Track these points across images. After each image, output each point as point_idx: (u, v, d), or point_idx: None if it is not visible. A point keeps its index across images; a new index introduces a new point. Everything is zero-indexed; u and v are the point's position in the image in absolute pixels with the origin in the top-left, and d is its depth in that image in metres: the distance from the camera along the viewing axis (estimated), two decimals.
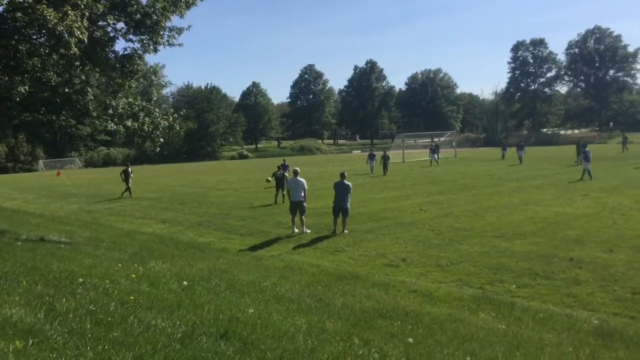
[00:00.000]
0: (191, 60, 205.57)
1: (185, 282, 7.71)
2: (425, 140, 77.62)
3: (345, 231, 15.07)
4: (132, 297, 6.21)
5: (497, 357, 5.59)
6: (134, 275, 7.96)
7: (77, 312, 5.26)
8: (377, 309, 7.49)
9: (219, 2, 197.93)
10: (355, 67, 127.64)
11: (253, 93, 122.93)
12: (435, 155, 42.21)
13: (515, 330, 6.87)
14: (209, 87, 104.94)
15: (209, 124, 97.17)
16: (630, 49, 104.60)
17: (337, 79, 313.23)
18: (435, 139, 55.41)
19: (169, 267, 9.53)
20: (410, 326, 6.49)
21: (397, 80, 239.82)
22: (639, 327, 7.41)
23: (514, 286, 9.55)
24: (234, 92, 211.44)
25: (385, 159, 35.66)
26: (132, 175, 27.59)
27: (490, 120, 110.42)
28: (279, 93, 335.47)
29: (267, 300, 7.15)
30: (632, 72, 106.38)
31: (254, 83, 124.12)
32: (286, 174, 23.03)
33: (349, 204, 15.24)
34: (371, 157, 38.10)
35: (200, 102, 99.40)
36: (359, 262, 11.96)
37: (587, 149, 27.52)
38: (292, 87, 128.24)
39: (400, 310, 7.52)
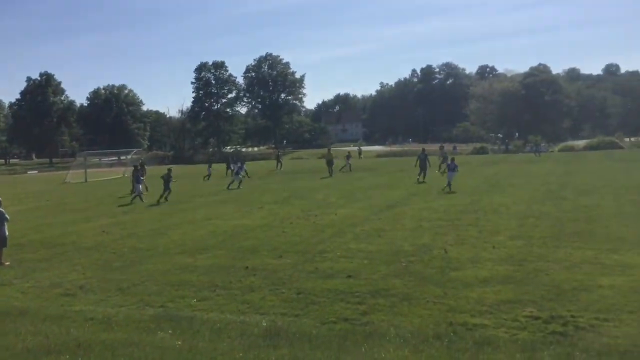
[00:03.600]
0: None
1: None
2: (111, 158, 74.06)
3: (7, 263, 13.40)
4: None
5: None
6: None
7: None
8: (45, 345, 6.83)
9: None
10: (29, 79, 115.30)
11: None
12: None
13: (191, 345, 7.05)
14: None
15: None
16: (297, 76, 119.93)
17: (5, 93, 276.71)
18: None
19: None
20: (80, 358, 6.08)
21: (77, 94, 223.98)
22: (302, 324, 8.31)
23: (195, 300, 9.78)
24: None
25: (167, 177, 26.46)
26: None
27: (178, 138, 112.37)
28: None
29: None
30: (300, 96, 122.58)
31: None
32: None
33: (6, 232, 13.67)
34: (137, 179, 27.14)
35: None
36: (29, 296, 10.71)
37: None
38: None
39: (72, 342, 6.99)
